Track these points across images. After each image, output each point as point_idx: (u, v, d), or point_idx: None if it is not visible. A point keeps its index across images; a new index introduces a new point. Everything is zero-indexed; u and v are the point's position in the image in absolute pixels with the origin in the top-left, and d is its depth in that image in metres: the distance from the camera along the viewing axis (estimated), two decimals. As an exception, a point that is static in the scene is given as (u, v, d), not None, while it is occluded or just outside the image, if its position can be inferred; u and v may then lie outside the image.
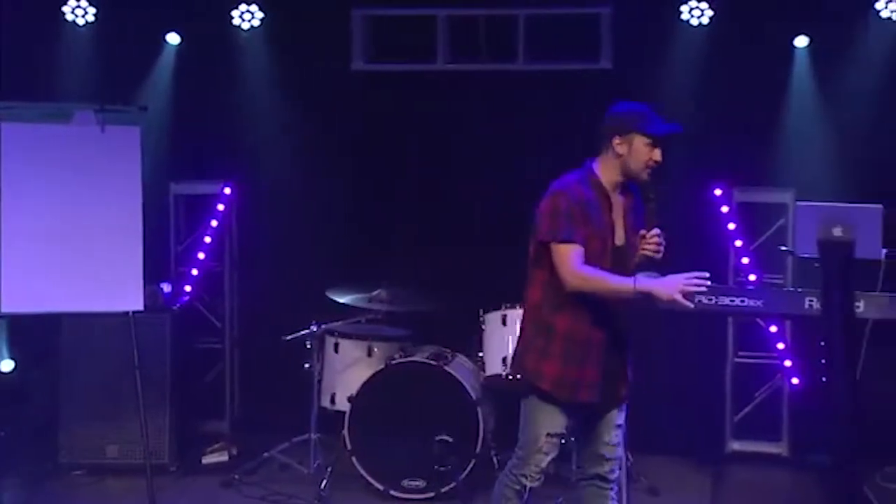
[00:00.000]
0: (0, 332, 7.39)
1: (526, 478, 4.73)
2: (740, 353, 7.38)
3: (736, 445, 7.34)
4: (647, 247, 4.63)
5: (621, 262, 4.63)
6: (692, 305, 4.49)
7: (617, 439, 4.77)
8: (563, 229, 4.55)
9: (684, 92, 7.39)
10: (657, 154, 4.60)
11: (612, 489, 4.78)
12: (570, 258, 4.53)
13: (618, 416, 4.77)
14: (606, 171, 4.66)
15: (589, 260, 4.53)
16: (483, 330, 6.69)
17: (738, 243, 7.23)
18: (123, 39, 7.63)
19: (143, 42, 7.69)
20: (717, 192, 7.27)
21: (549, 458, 4.71)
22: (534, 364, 4.73)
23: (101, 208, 6.31)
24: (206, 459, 7.11)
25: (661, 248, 4.63)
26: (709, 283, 4.43)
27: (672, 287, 4.41)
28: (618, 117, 4.65)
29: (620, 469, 4.90)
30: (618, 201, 4.68)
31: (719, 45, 7.36)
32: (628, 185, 4.70)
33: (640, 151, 4.59)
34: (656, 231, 4.64)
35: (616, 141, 4.61)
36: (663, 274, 5.30)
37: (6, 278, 6.18)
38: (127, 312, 6.33)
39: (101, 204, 6.31)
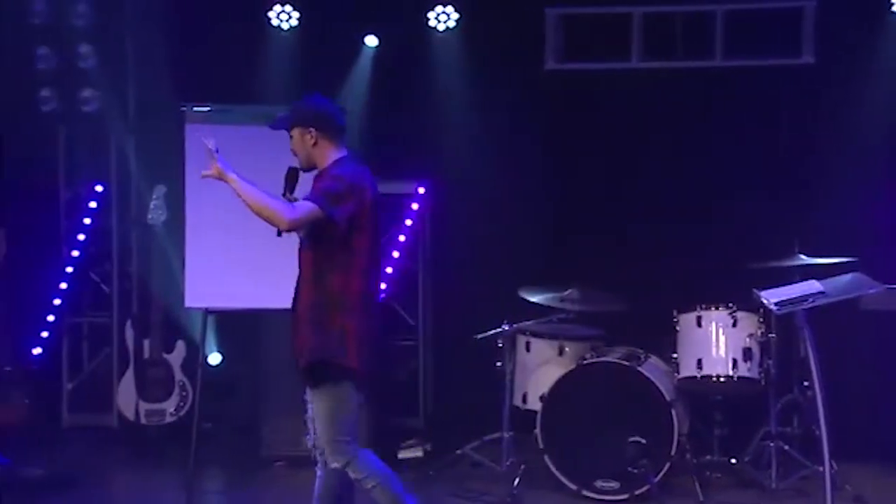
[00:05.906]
0: (209, 326, 7.67)
1: None
2: (951, 357, 7.04)
3: (946, 454, 7.00)
4: None
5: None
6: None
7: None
8: None
9: (893, 86, 7.09)
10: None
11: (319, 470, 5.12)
12: None
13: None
14: None
15: None
16: (677, 331, 6.59)
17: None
18: (324, 42, 7.82)
19: (342, 45, 7.86)
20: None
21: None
22: None
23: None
24: (402, 454, 7.21)
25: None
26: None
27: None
28: None
29: (318, 451, 5.09)
30: None
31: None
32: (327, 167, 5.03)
33: None
34: None
35: None
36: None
37: (192, 274, 6.48)
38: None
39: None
